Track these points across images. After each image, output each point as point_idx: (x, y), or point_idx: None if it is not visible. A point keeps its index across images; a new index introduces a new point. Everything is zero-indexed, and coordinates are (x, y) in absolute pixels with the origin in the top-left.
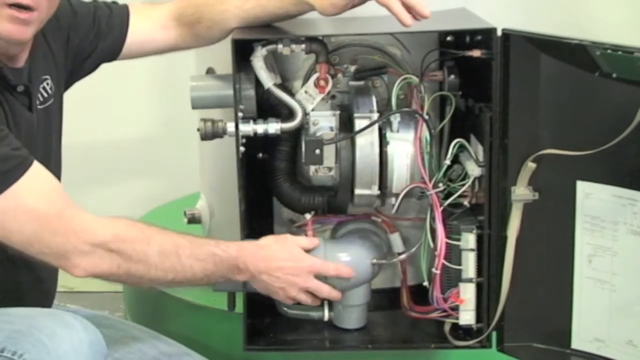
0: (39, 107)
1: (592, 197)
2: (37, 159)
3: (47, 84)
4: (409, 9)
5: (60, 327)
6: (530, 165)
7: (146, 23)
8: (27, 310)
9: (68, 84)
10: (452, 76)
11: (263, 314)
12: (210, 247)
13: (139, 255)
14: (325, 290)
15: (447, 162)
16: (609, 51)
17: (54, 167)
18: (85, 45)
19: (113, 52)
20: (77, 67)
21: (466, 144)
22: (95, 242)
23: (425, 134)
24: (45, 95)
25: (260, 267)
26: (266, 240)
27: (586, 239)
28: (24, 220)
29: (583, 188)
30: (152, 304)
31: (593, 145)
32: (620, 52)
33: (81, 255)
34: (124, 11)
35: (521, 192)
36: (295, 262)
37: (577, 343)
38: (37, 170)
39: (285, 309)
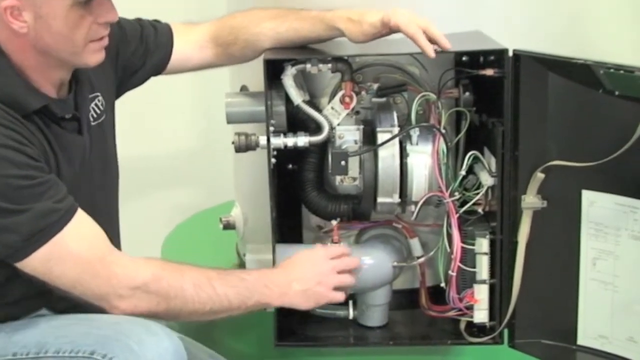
0: (93, 124)
1: (596, 205)
2: (95, 174)
3: (99, 100)
4: (432, 42)
5: (147, 335)
6: (539, 175)
7: (187, 44)
8: (112, 316)
9: (117, 95)
10: (467, 93)
11: (292, 313)
12: (237, 273)
13: (175, 290)
14: (349, 262)
15: (463, 172)
16: (611, 70)
17: (113, 175)
18: (134, 60)
19: (158, 69)
20: (126, 80)
21: (480, 155)
22: (134, 285)
23: (442, 146)
24: (98, 112)
25: (284, 277)
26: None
27: (591, 244)
28: (68, 265)
29: (588, 196)
30: None
31: (597, 157)
32: (622, 71)
33: (120, 299)
34: (168, 31)
35: (531, 200)
36: (307, 255)
37: (582, 339)
38: (80, 218)
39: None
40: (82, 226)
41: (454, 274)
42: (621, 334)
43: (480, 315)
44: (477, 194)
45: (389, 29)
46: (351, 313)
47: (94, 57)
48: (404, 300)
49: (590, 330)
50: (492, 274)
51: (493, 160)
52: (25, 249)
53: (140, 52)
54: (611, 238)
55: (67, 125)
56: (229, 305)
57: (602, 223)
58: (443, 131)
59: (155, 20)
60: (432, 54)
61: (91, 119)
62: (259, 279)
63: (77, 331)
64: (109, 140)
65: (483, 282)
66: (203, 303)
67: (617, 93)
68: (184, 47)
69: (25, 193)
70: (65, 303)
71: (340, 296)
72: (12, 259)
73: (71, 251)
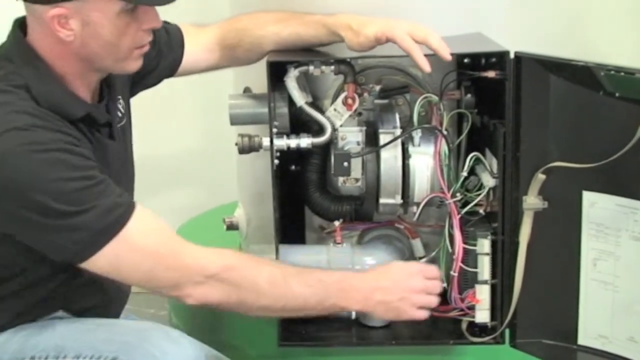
0: (117, 127)
1: (596, 206)
2: (122, 178)
3: (120, 103)
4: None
5: (170, 343)
6: (540, 176)
7: (196, 46)
8: (135, 323)
9: (131, 95)
10: (469, 95)
11: None
12: (317, 274)
13: (248, 283)
14: (438, 286)
15: (464, 173)
16: (612, 72)
17: (131, 178)
18: (147, 62)
19: (170, 72)
20: (138, 82)
21: (481, 157)
22: (207, 274)
23: (444, 148)
24: (120, 115)
25: (368, 284)
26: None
27: (591, 244)
28: (138, 260)
29: (588, 197)
30: None
31: (598, 158)
32: (622, 73)
33: (194, 286)
34: (179, 34)
35: (532, 201)
36: (401, 267)
37: (583, 339)
38: (142, 211)
39: None
40: (145, 219)
41: (456, 274)
42: (622, 334)
43: (482, 315)
44: (479, 194)
45: (384, 43)
46: (354, 313)
47: (135, 63)
48: None
49: (590, 330)
50: (493, 274)
51: (494, 162)
52: (93, 245)
53: (153, 54)
54: (612, 239)
55: (102, 130)
56: (304, 304)
57: (602, 224)
58: (445, 133)
59: (165, 22)
60: (426, 69)
61: (116, 123)
62: (339, 282)
63: (98, 337)
64: (128, 141)
65: (484, 282)
66: (276, 299)
67: (617, 95)
68: (193, 50)
69: (88, 193)
70: (82, 304)
71: (424, 315)
72: (78, 258)
73: (139, 245)
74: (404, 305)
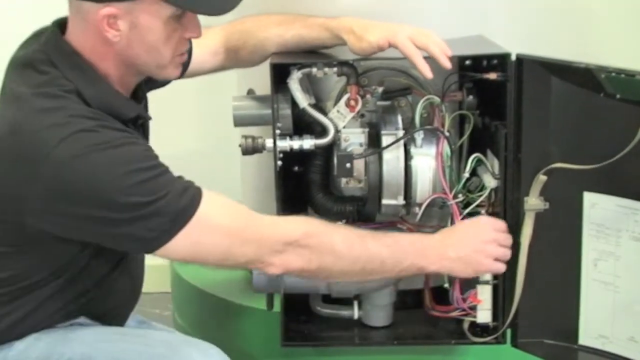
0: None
1: (597, 206)
2: None
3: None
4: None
5: (199, 354)
6: (542, 177)
7: (202, 49)
8: (160, 334)
9: None
10: (471, 97)
11: (298, 313)
12: (391, 235)
13: (326, 247)
14: (509, 238)
15: (466, 174)
16: (613, 74)
17: None
18: None
19: None
20: (148, 82)
21: (483, 158)
22: (286, 242)
23: (446, 149)
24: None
25: (440, 243)
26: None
27: (592, 245)
28: (216, 239)
29: (589, 198)
30: (197, 303)
31: (598, 159)
32: (623, 75)
33: (275, 255)
34: None
35: (533, 202)
36: (468, 223)
37: (583, 339)
38: (209, 192)
39: (318, 308)
40: (215, 199)
41: None
42: (622, 334)
43: (484, 315)
44: (481, 195)
45: (386, 49)
46: (356, 313)
47: (176, 71)
48: (408, 300)
49: (591, 330)
50: (495, 274)
51: (496, 163)
52: (169, 231)
53: None
54: (612, 239)
55: (139, 129)
56: (382, 265)
57: (603, 224)
58: (447, 134)
59: None
60: (428, 75)
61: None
62: (414, 242)
63: (125, 347)
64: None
65: (486, 282)
66: (354, 261)
67: (618, 96)
68: (199, 52)
69: (157, 181)
70: (105, 306)
71: (501, 267)
72: (156, 246)
73: (215, 224)
74: (479, 257)
